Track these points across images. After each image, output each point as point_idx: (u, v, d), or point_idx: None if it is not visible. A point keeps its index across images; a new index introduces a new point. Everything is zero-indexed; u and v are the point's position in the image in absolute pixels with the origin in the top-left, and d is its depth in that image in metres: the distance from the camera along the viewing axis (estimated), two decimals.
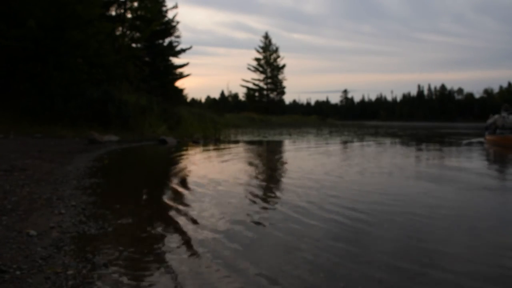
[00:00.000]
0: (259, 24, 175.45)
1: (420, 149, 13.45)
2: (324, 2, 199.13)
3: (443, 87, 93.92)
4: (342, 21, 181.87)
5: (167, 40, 30.40)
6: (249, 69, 61.57)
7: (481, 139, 13.82)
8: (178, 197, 4.99)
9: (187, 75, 32.78)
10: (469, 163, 8.80)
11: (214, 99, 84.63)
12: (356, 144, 15.40)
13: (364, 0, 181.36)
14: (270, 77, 60.99)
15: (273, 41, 60.90)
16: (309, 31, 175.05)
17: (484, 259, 2.88)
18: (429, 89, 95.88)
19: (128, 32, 24.10)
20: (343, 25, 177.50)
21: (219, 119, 27.74)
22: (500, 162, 9.65)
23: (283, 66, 61.49)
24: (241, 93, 69.36)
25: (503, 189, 5.92)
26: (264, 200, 4.93)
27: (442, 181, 6.45)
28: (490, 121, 13.28)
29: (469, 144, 13.90)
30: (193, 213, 4.10)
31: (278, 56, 61.02)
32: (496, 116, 12.75)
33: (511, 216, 4.35)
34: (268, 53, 60.50)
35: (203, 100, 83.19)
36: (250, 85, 61.56)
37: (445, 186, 5.94)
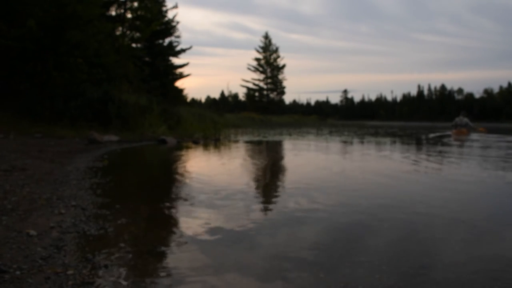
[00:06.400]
0: (257, 25, 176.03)
1: (417, 147, 13.48)
2: (321, 3, 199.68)
3: (443, 87, 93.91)
4: (339, 21, 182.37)
5: (167, 40, 30.45)
6: (249, 69, 61.70)
7: (449, 132, 22.42)
8: (178, 197, 5.00)
9: (187, 75, 32.83)
10: (454, 156, 8.84)
11: (214, 99, 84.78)
12: (356, 144, 15.41)
13: (360, 1, 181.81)
14: (270, 77, 61.04)
15: (272, 41, 60.69)
16: (307, 32, 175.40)
17: (485, 258, 2.88)
18: (429, 89, 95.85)
19: (128, 32, 24.08)
20: (340, 26, 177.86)
21: (219, 119, 27.76)
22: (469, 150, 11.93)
23: (283, 66, 61.59)
24: (241, 93, 69.44)
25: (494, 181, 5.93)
26: (264, 200, 4.94)
27: (440, 177, 6.46)
28: (453, 122, 22.23)
29: (444, 135, 21.43)
30: (194, 212, 4.10)
31: (278, 56, 61.11)
32: (457, 118, 21.74)
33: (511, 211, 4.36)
34: (268, 53, 60.58)
35: (203, 100, 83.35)
36: (250, 85, 61.68)
37: (443, 182, 5.94)
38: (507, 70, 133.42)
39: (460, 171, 7.53)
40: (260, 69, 60.86)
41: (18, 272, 2.41)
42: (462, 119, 21.54)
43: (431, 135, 22.47)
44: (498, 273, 2.60)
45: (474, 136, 20.18)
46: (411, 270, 2.64)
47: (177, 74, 31.85)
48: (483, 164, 8.61)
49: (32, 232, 3.12)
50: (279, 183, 6.40)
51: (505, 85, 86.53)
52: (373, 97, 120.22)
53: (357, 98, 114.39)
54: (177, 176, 6.89)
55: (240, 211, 4.18)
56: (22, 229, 3.19)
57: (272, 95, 61.86)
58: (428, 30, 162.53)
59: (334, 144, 15.22)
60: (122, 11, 23.47)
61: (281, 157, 10.88)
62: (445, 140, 18.15)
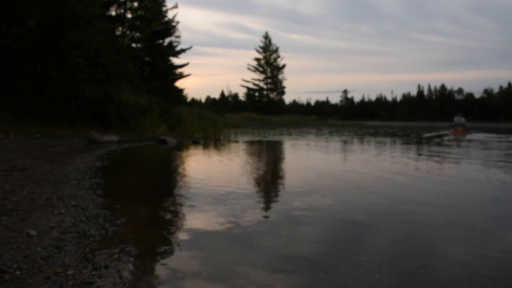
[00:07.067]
0: (256, 25, 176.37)
1: (417, 147, 13.49)
2: (320, 3, 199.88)
3: (443, 87, 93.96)
4: (339, 21, 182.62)
5: (167, 40, 30.42)
6: (249, 69, 61.64)
7: (447, 132, 24.61)
8: (178, 197, 4.99)
9: (187, 75, 32.80)
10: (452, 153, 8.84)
11: (214, 99, 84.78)
12: (356, 144, 15.41)
13: (360, 1, 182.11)
14: (270, 77, 60.97)
15: (272, 41, 60.69)
16: (306, 32, 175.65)
17: (485, 258, 2.88)
18: (429, 89, 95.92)
19: (128, 32, 24.06)
20: (340, 26, 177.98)
21: (219, 119, 27.77)
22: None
23: (283, 66, 61.51)
24: (241, 93, 69.37)
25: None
26: (264, 200, 4.94)
27: (440, 178, 6.46)
28: (451, 122, 24.71)
29: (440, 135, 22.72)
30: (194, 212, 4.10)
31: (278, 56, 61.02)
32: (455, 118, 24.19)
33: (509, 211, 4.36)
34: (268, 53, 60.49)
35: (203, 100, 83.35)
36: (250, 85, 61.62)
37: (443, 182, 5.94)
38: (507, 70, 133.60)
39: (459, 171, 7.53)
40: (260, 69, 60.82)
41: (18, 272, 2.41)
42: (460, 119, 23.93)
43: (426, 135, 23.39)
44: (498, 273, 2.60)
45: (473, 136, 21.45)
46: (411, 270, 2.64)
47: (177, 74, 31.82)
48: (482, 164, 8.61)
49: (32, 232, 3.12)
50: (279, 183, 6.40)
51: (505, 85, 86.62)
52: (373, 97, 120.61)
53: (357, 98, 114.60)
54: (177, 176, 6.89)
55: (240, 211, 4.18)
56: (22, 229, 3.19)
57: (272, 95, 61.81)
58: (428, 30, 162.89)
59: (334, 144, 15.22)
60: (122, 11, 23.45)
61: (281, 157, 10.88)
62: (442, 139, 18.88)
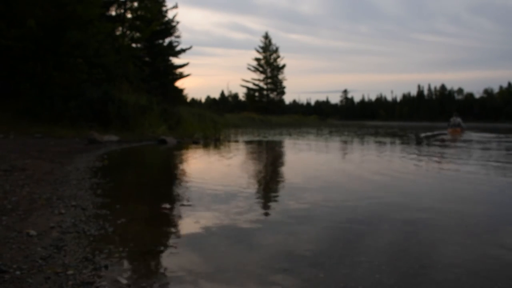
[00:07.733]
0: (256, 25, 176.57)
1: (416, 147, 13.50)
2: (320, 3, 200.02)
3: (443, 87, 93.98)
4: (339, 21, 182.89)
5: (167, 40, 30.40)
6: (249, 69, 61.57)
7: (445, 131, 25.42)
8: (178, 197, 4.99)
9: (187, 75, 32.78)
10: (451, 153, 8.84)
11: (214, 99, 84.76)
12: (356, 144, 15.41)
13: (359, 1, 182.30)
14: (270, 77, 60.93)
15: (272, 41, 60.65)
16: (306, 32, 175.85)
17: (484, 258, 2.88)
18: (429, 89, 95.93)
19: (128, 32, 24.07)
20: (339, 26, 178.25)
21: (219, 119, 27.77)
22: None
23: (283, 66, 61.46)
24: (241, 93, 69.32)
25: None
26: (264, 200, 4.94)
27: (440, 178, 6.46)
28: (449, 122, 25.80)
29: (436, 135, 23.18)
30: (193, 212, 4.10)
31: (278, 56, 60.97)
32: (451, 118, 25.32)
33: (509, 209, 4.36)
34: (268, 53, 60.43)
35: (203, 100, 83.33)
36: (250, 85, 61.55)
37: (442, 183, 5.94)
38: (507, 70, 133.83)
39: (458, 172, 7.52)
40: (260, 69, 60.75)
41: (18, 272, 2.41)
42: (456, 119, 25.12)
43: (425, 135, 23.71)
44: (497, 273, 2.60)
45: (471, 136, 21.97)
46: (411, 270, 2.64)
47: (177, 74, 31.79)
48: (481, 164, 8.61)
49: (32, 232, 3.12)
50: (278, 183, 6.40)
51: (505, 85, 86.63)
52: (373, 97, 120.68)
53: (357, 98, 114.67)
54: (177, 177, 6.89)
55: (240, 211, 4.18)
56: (22, 229, 3.19)
57: (272, 95, 61.75)
58: (428, 30, 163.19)
59: (334, 144, 15.22)
60: (122, 11, 23.46)
61: (281, 158, 10.88)
62: (440, 139, 19.23)
